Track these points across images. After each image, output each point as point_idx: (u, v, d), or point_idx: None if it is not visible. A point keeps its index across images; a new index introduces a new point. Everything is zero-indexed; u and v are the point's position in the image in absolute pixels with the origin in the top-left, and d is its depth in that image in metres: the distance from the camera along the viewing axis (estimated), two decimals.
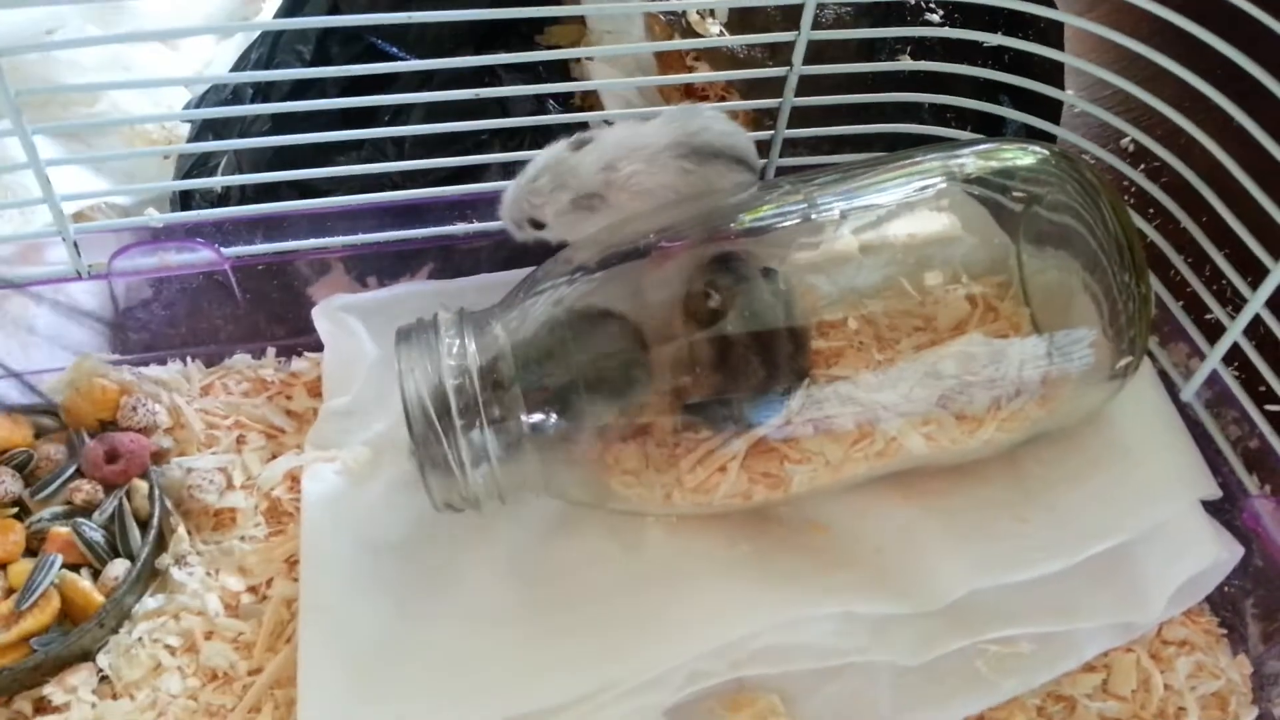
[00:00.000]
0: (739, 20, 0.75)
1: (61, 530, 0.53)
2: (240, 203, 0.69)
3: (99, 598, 0.51)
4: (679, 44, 0.73)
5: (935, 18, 0.74)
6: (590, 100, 0.78)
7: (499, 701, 0.49)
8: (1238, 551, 0.56)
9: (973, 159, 0.55)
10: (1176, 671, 0.55)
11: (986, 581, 0.52)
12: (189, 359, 0.64)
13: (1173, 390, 0.61)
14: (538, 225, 0.57)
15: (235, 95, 0.75)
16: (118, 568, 0.52)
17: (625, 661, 0.50)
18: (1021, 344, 0.52)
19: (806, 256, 0.52)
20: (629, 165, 0.55)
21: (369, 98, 0.62)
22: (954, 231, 0.53)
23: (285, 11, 0.76)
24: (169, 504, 0.56)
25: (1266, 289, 0.55)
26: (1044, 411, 0.54)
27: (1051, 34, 0.74)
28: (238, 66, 0.78)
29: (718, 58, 0.74)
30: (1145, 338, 0.54)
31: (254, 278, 0.64)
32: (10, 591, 0.51)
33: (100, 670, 0.51)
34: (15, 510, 0.54)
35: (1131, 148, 0.79)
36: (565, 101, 0.76)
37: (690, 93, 0.79)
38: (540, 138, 0.70)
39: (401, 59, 0.73)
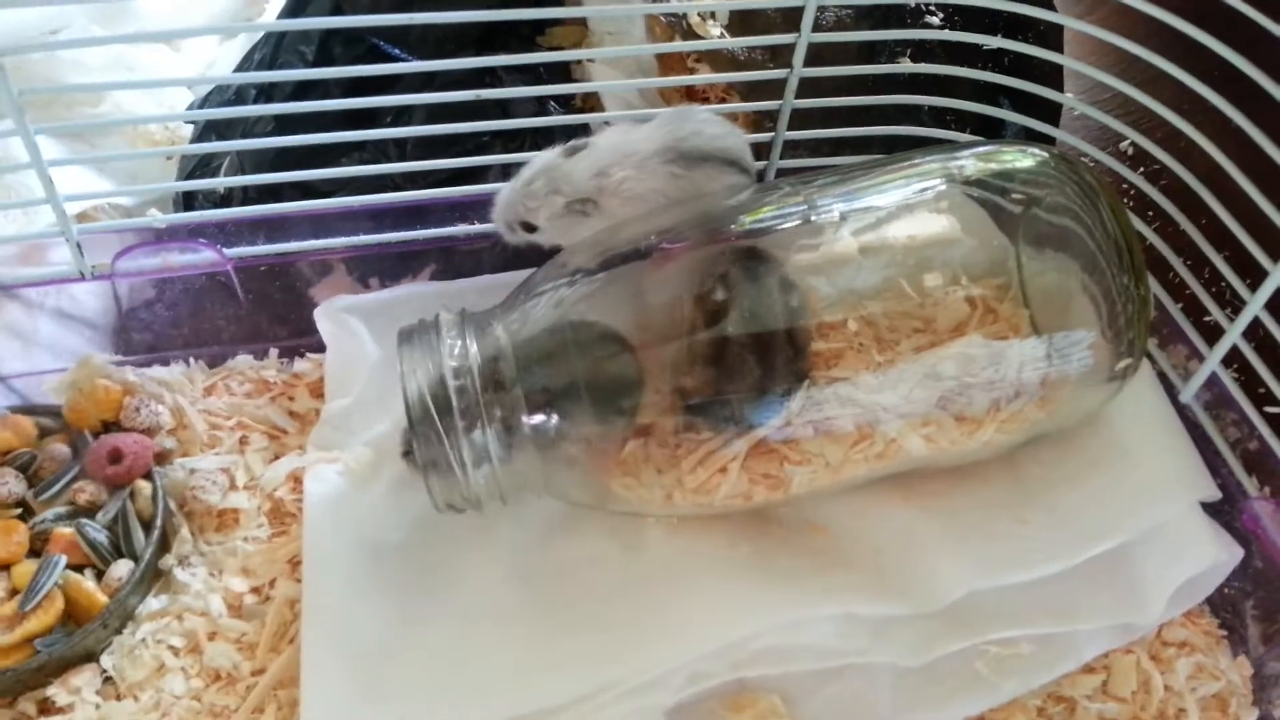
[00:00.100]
0: (740, 22, 0.75)
1: (65, 531, 0.53)
2: (243, 204, 0.69)
3: (102, 598, 0.52)
4: (680, 46, 0.73)
5: (935, 20, 0.74)
6: (591, 102, 0.78)
7: (500, 701, 0.49)
8: (1237, 553, 0.56)
9: (972, 161, 0.56)
10: (1176, 673, 0.55)
11: (986, 582, 0.52)
12: (192, 360, 0.64)
13: (1172, 392, 0.62)
14: (530, 228, 0.57)
15: (238, 96, 0.75)
16: (121, 568, 0.53)
17: (626, 662, 0.50)
18: (1021, 346, 0.52)
19: (806, 258, 0.53)
20: (620, 171, 0.55)
21: (371, 99, 0.62)
22: (953, 233, 0.53)
23: (288, 13, 0.76)
24: (172, 505, 0.56)
25: (1265, 291, 0.55)
26: (1043, 413, 0.54)
27: (1051, 37, 0.74)
28: (241, 67, 0.78)
29: (718, 60, 0.74)
30: (1144, 340, 0.54)
31: (256, 278, 0.65)
32: (14, 592, 0.51)
33: (104, 671, 0.51)
34: (19, 511, 0.54)
35: (1131, 150, 0.80)
36: (566, 103, 0.76)
37: (691, 94, 0.79)
38: (541, 139, 0.71)
39: (403, 60, 0.73)
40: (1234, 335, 0.57)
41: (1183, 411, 0.61)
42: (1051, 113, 0.71)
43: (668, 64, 0.78)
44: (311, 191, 0.68)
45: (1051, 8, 0.74)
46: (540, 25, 0.80)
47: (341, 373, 0.62)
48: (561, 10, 0.65)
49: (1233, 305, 0.59)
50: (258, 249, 0.64)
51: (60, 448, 0.57)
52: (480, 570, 0.54)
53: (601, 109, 0.75)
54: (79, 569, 0.53)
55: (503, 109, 0.71)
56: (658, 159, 0.55)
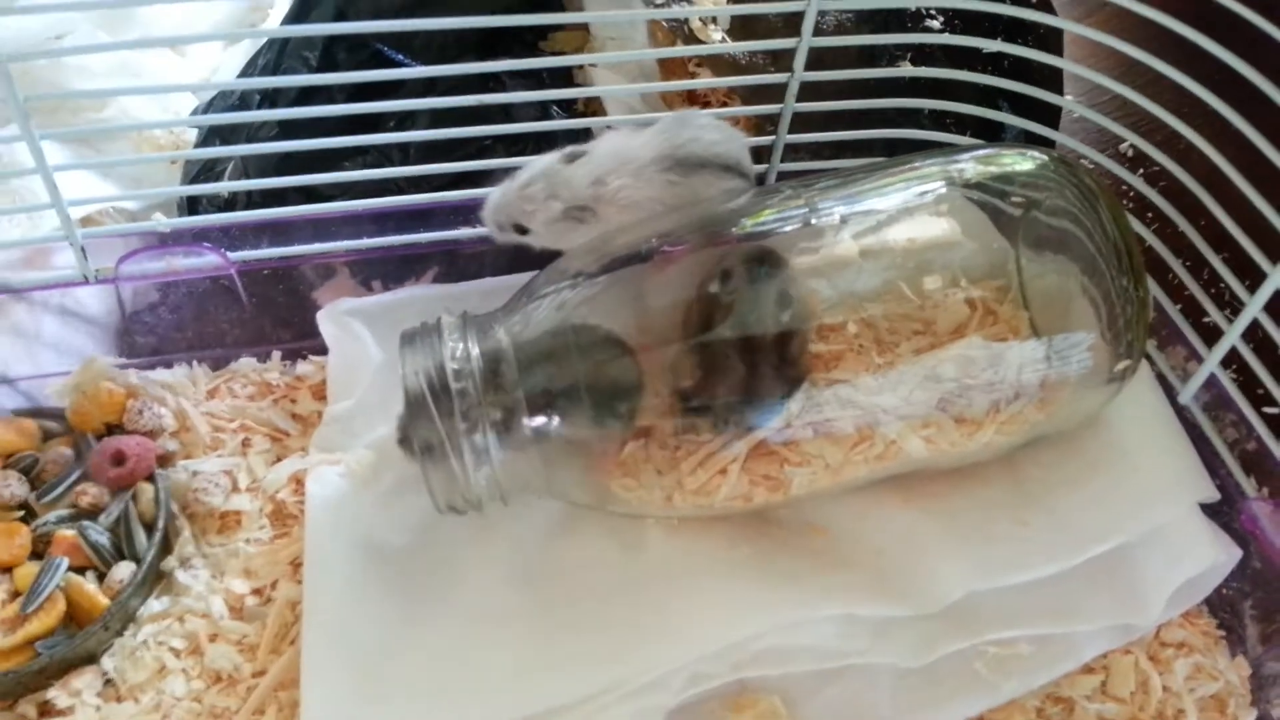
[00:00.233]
0: (741, 27, 0.75)
1: (67, 533, 0.53)
2: (246, 208, 0.70)
3: (104, 600, 0.52)
4: (682, 50, 0.73)
5: (935, 24, 0.74)
6: (593, 106, 0.78)
7: (501, 702, 0.49)
8: (1236, 554, 0.56)
9: (972, 164, 0.56)
10: (1175, 673, 0.55)
11: (986, 583, 0.52)
12: (195, 362, 0.65)
13: (1171, 393, 0.62)
14: (522, 230, 0.57)
15: (242, 101, 0.75)
16: (123, 570, 0.53)
17: (627, 663, 0.50)
18: (1020, 347, 0.52)
19: (807, 261, 0.53)
20: (617, 179, 0.55)
21: (374, 104, 0.62)
22: (953, 236, 0.54)
23: (292, 18, 0.77)
24: (174, 507, 0.57)
25: (1264, 293, 0.55)
26: (1043, 415, 0.54)
27: (1051, 40, 0.74)
28: (245, 72, 0.78)
29: (720, 64, 0.74)
30: (1143, 341, 0.54)
31: (260, 282, 0.65)
32: (16, 594, 0.52)
33: (105, 673, 0.52)
34: (21, 513, 0.55)
35: (1130, 152, 0.80)
36: (569, 107, 0.76)
37: (692, 99, 0.79)
38: (543, 143, 0.71)
39: (407, 65, 0.73)
40: (1233, 337, 0.58)
41: (1182, 413, 0.61)
42: (1051, 116, 0.71)
43: (669, 68, 0.78)
44: (315, 195, 0.68)
45: (1051, 11, 0.75)
46: (543, 30, 0.80)
47: (344, 375, 0.62)
48: (564, 16, 0.66)
49: (1232, 307, 0.59)
50: (261, 253, 0.64)
51: (63, 450, 0.57)
52: (481, 571, 0.54)
53: (604, 114, 0.75)
54: (81, 571, 0.53)
55: (505, 113, 0.71)
56: (655, 167, 0.55)
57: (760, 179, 0.70)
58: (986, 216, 0.54)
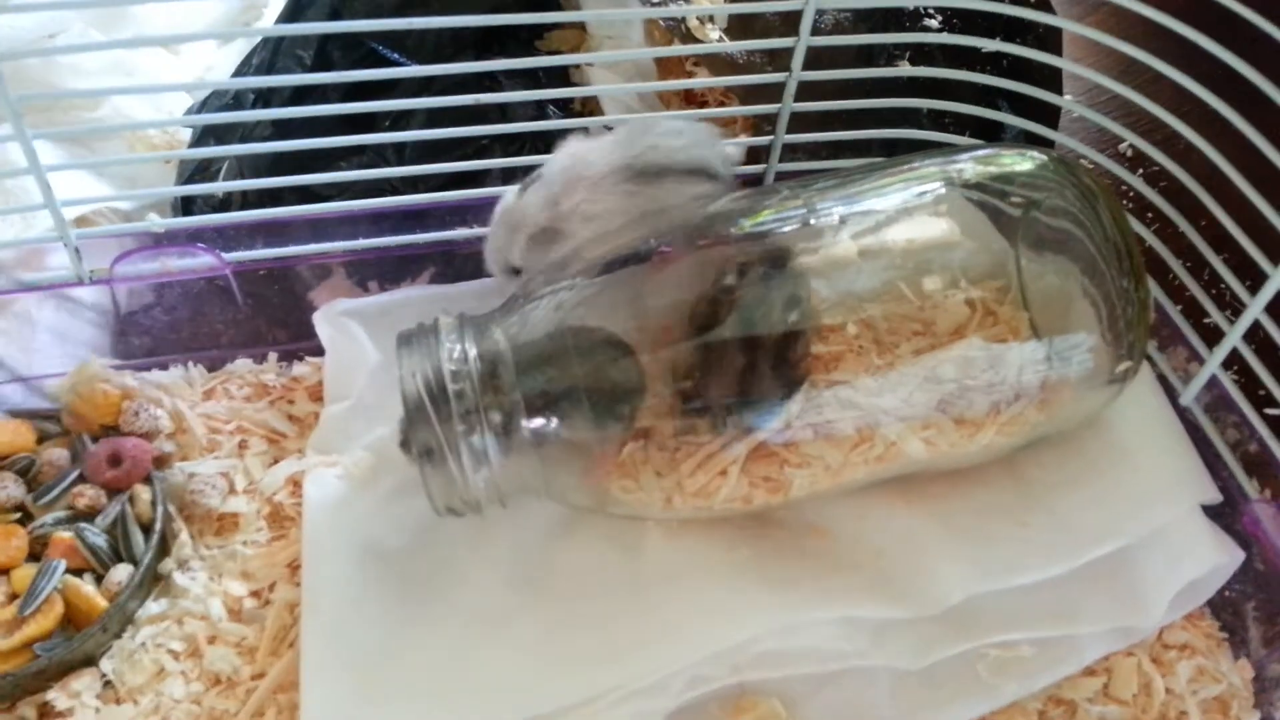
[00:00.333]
0: (738, 26, 0.75)
1: (64, 535, 0.53)
2: (242, 208, 0.69)
3: (102, 603, 0.52)
4: (679, 50, 0.73)
5: (934, 23, 0.74)
6: (590, 105, 0.78)
7: (500, 705, 0.49)
8: (1238, 556, 0.56)
9: (971, 164, 0.56)
10: (1178, 675, 0.55)
11: (987, 585, 0.52)
12: (191, 364, 0.64)
13: (1172, 395, 0.62)
14: (516, 271, 0.58)
15: (237, 100, 0.75)
16: (121, 573, 0.53)
17: (626, 665, 0.50)
18: (1021, 348, 0.52)
19: (806, 261, 0.53)
20: (572, 197, 0.55)
21: (370, 103, 0.62)
22: (953, 236, 0.53)
23: (286, 17, 0.76)
24: (171, 509, 0.56)
25: (1265, 294, 0.55)
26: (1043, 416, 0.54)
27: (1050, 39, 0.74)
28: (239, 71, 0.78)
29: (717, 63, 0.74)
30: (1144, 342, 0.54)
31: (255, 282, 0.65)
32: (14, 597, 0.51)
33: (104, 675, 0.51)
34: (18, 515, 0.54)
35: (1130, 152, 0.80)
36: (565, 107, 0.76)
37: (690, 98, 0.79)
38: (540, 143, 0.71)
39: (402, 64, 0.73)
40: (1234, 338, 0.58)
41: (1183, 414, 0.61)
42: (1051, 115, 0.71)
43: (666, 68, 0.78)
44: (310, 195, 0.68)
45: (1050, 10, 0.74)
46: (539, 29, 0.80)
47: (341, 376, 0.62)
48: (560, 15, 0.65)
49: (1233, 307, 0.59)
50: (256, 253, 0.64)
51: (59, 452, 0.57)
52: (480, 573, 0.54)
53: (601, 113, 0.75)
54: (78, 573, 0.53)
55: (502, 113, 0.71)
56: (612, 179, 0.55)
57: (758, 179, 0.70)
58: (986, 217, 0.54)
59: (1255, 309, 0.56)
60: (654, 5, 0.74)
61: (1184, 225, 0.61)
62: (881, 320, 0.52)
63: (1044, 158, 0.56)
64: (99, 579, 0.53)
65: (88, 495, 0.55)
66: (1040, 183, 0.55)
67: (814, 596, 0.52)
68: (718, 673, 0.50)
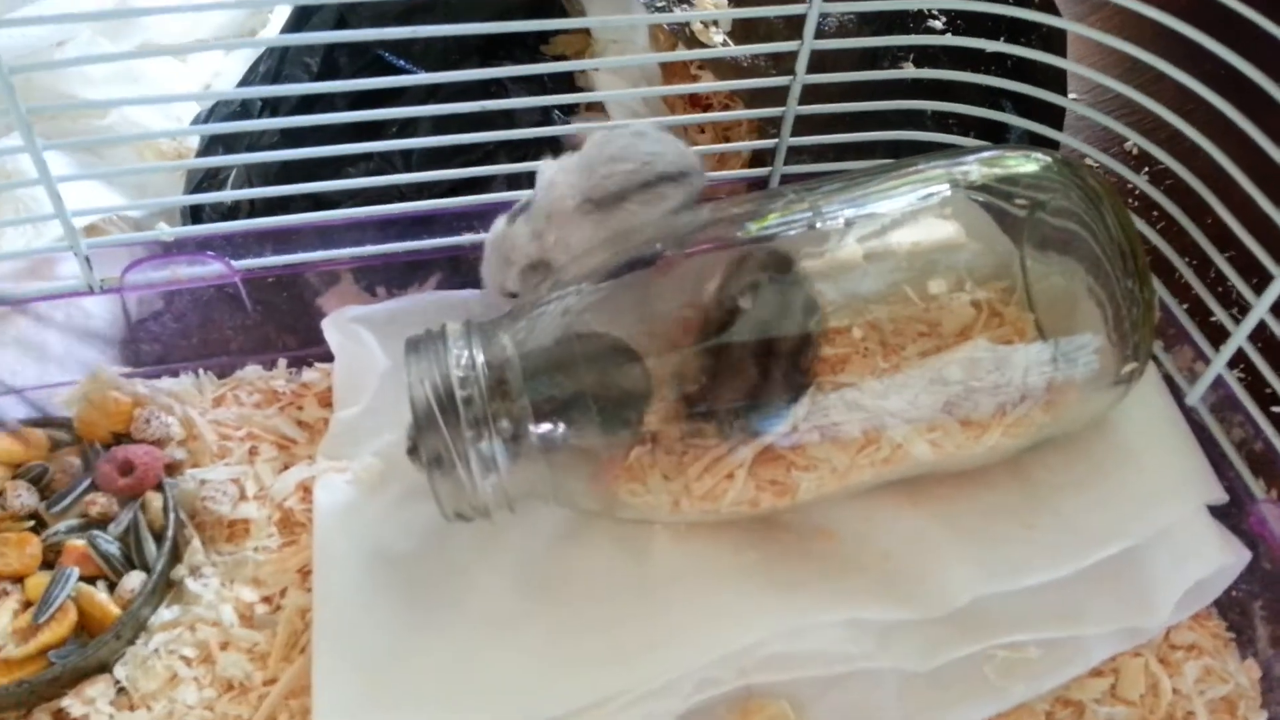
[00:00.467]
0: (742, 30, 0.75)
1: (77, 543, 0.53)
2: (250, 215, 0.70)
3: (115, 610, 0.52)
4: (683, 55, 0.73)
5: (938, 25, 0.74)
6: (595, 110, 0.78)
7: (510, 708, 0.49)
8: (1245, 556, 0.56)
9: (976, 166, 0.56)
10: (1185, 676, 0.55)
11: (993, 587, 0.52)
12: (201, 371, 0.65)
13: (1178, 395, 0.62)
14: (514, 295, 0.58)
15: (244, 108, 0.75)
16: (133, 580, 0.53)
17: (635, 668, 0.50)
18: (1026, 350, 0.52)
19: (812, 265, 0.53)
20: (553, 234, 0.56)
21: (377, 111, 0.63)
22: (958, 238, 0.54)
23: (292, 25, 0.77)
24: (183, 515, 0.57)
25: (1271, 293, 0.55)
26: (1049, 417, 0.54)
27: (1054, 40, 0.74)
28: (246, 78, 0.78)
29: (722, 67, 0.74)
30: (1150, 343, 0.54)
31: (264, 289, 0.65)
32: (28, 604, 0.52)
33: (117, 682, 0.52)
34: (32, 523, 0.55)
35: (1135, 152, 0.80)
36: (570, 112, 0.76)
37: (694, 102, 0.79)
38: (546, 148, 0.71)
39: (409, 71, 0.73)
40: (1240, 338, 0.57)
41: (1189, 414, 0.61)
42: (1055, 116, 0.71)
43: (671, 72, 0.78)
44: (318, 203, 0.68)
45: (1055, 11, 0.74)
46: (544, 34, 0.80)
47: (350, 382, 0.62)
48: (565, 21, 0.66)
49: (1238, 306, 0.59)
50: (265, 260, 0.64)
51: (72, 460, 0.57)
52: (489, 577, 0.54)
53: (606, 118, 0.75)
54: (91, 581, 0.53)
55: (508, 118, 0.71)
56: (580, 211, 0.55)
57: (764, 182, 0.70)
58: (991, 218, 0.54)
59: (1261, 308, 0.56)
60: (658, 10, 0.74)
61: (1188, 225, 0.61)
62: (887, 322, 0.52)
63: (1048, 159, 0.56)
64: (112, 586, 0.53)
65: (100, 503, 0.55)
66: (1045, 184, 0.55)
67: (821, 599, 0.52)
68: (726, 675, 0.50)
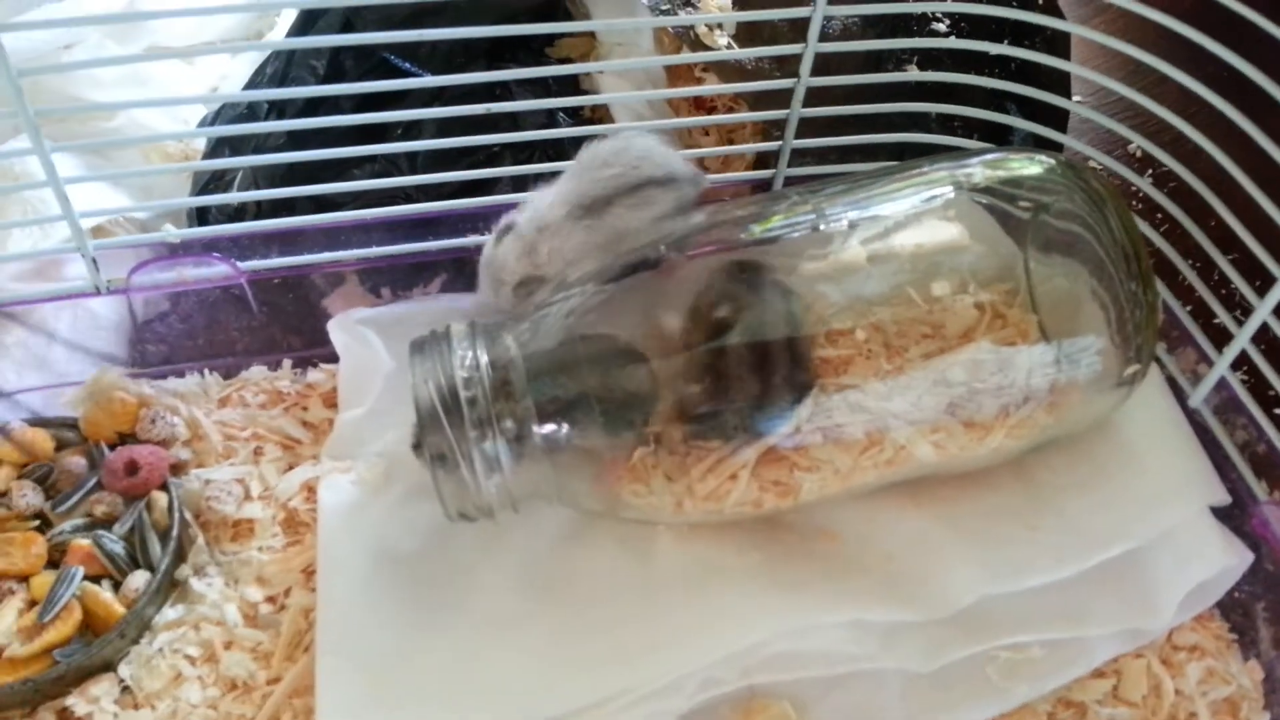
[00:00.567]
0: (747, 33, 0.75)
1: (82, 542, 0.54)
2: (256, 217, 0.70)
3: (120, 609, 0.52)
4: (687, 57, 0.73)
5: (942, 28, 0.74)
6: (600, 113, 0.78)
7: (513, 707, 0.50)
8: (1247, 557, 0.56)
9: (980, 168, 0.56)
10: (1187, 677, 0.55)
11: (996, 588, 0.53)
12: (206, 371, 0.65)
13: (1181, 397, 0.62)
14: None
15: (251, 111, 0.75)
16: (138, 579, 0.53)
17: (638, 668, 0.50)
18: (1029, 351, 0.52)
19: (815, 266, 0.53)
20: (545, 245, 0.56)
21: (382, 113, 0.63)
22: (962, 240, 0.54)
23: (299, 28, 0.77)
24: (188, 515, 0.57)
25: (1274, 295, 0.55)
26: (1052, 419, 0.54)
27: (1058, 42, 0.74)
28: (253, 81, 0.78)
29: (726, 70, 0.75)
30: (1153, 344, 0.54)
31: (270, 290, 0.65)
32: (33, 603, 0.52)
33: (122, 680, 0.52)
34: (37, 523, 0.55)
35: (1138, 154, 0.80)
36: (575, 114, 0.77)
37: (699, 105, 0.79)
38: (551, 150, 0.71)
39: (414, 74, 0.73)
40: (1243, 340, 0.57)
41: (1192, 416, 0.61)
42: (1059, 118, 0.71)
43: (675, 74, 0.79)
44: (324, 204, 0.68)
45: (1058, 13, 0.74)
46: (549, 37, 0.80)
47: (355, 383, 0.62)
48: (570, 25, 0.66)
49: (1241, 308, 0.59)
50: (271, 262, 0.64)
51: (77, 460, 0.57)
52: (493, 577, 0.54)
53: (610, 120, 0.75)
54: (96, 580, 0.53)
55: (513, 121, 0.72)
56: (571, 219, 0.56)
57: (767, 184, 0.70)
58: (995, 220, 0.54)
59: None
60: (663, 13, 0.74)
61: (1192, 227, 0.61)
62: (891, 324, 0.52)
63: (1052, 162, 0.56)
64: (116, 585, 0.53)
65: (105, 502, 0.55)
66: (1049, 186, 0.55)
67: (824, 600, 0.52)
68: (728, 676, 0.50)
